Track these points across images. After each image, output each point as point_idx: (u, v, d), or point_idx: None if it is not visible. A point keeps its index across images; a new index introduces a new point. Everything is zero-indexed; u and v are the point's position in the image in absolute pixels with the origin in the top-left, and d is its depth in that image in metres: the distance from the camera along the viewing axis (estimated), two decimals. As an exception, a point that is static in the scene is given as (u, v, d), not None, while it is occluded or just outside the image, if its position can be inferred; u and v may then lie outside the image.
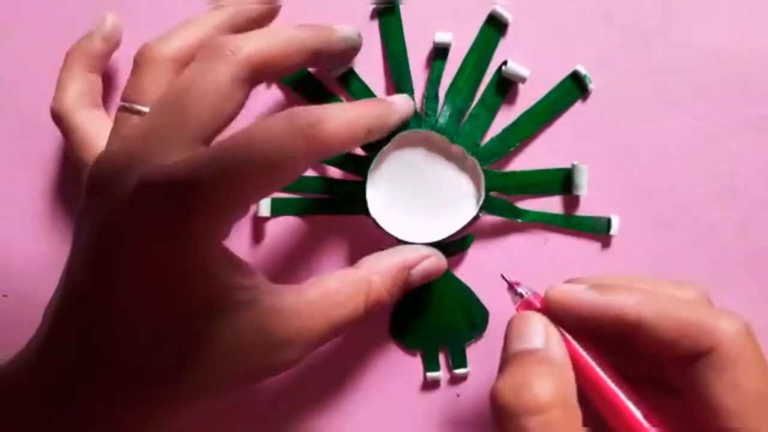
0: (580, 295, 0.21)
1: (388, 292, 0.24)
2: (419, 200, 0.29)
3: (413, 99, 0.28)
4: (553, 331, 0.21)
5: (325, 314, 0.22)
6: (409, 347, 0.30)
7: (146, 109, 0.22)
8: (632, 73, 0.29)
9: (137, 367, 0.19)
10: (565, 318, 0.21)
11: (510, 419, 0.19)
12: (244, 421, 0.30)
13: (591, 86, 0.29)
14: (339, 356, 0.30)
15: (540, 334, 0.21)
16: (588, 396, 0.21)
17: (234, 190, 0.19)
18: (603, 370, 0.21)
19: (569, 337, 0.21)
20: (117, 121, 0.23)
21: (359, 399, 0.30)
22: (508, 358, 0.21)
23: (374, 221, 0.28)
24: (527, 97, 0.29)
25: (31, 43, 0.31)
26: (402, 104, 0.27)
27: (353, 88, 0.30)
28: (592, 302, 0.21)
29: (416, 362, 0.30)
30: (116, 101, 0.29)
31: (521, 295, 0.23)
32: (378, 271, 0.24)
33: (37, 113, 0.28)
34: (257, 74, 0.22)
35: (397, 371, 0.30)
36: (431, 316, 0.30)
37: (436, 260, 0.26)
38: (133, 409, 0.19)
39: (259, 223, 0.30)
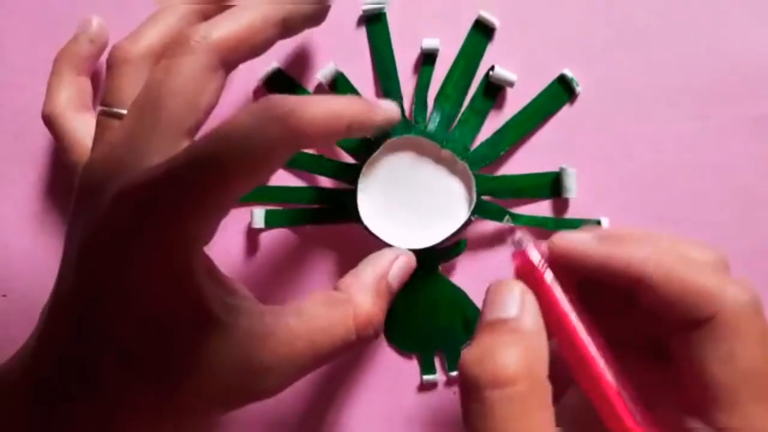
0: (586, 245, 0.20)
1: (378, 307, 0.23)
2: (411, 206, 0.29)
3: (401, 106, 0.28)
4: (530, 298, 0.19)
5: (309, 341, 0.21)
6: (405, 351, 0.30)
7: (125, 112, 0.22)
8: (619, 75, 0.29)
9: (129, 368, 0.19)
10: (568, 268, 0.20)
11: (472, 392, 0.17)
12: (240, 424, 0.30)
13: (578, 89, 0.29)
14: (335, 360, 0.30)
15: (516, 301, 0.19)
16: (567, 359, 0.20)
17: (210, 188, 0.18)
18: (590, 335, 0.19)
19: (558, 295, 0.20)
20: (98, 126, 0.23)
21: (356, 402, 0.30)
22: (480, 328, 0.19)
23: (366, 228, 0.28)
24: (516, 102, 0.29)
25: (26, 44, 0.31)
26: (386, 106, 0.25)
27: (343, 93, 0.29)
28: (596, 252, 0.19)
29: (413, 365, 0.30)
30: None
31: (520, 244, 0.21)
32: (360, 289, 0.23)
33: (34, 113, 0.28)
34: (230, 58, 0.22)
35: (393, 374, 0.30)
36: (427, 319, 0.30)
37: (405, 258, 0.25)
38: (132, 409, 0.19)
39: (252, 235, 0.30)
